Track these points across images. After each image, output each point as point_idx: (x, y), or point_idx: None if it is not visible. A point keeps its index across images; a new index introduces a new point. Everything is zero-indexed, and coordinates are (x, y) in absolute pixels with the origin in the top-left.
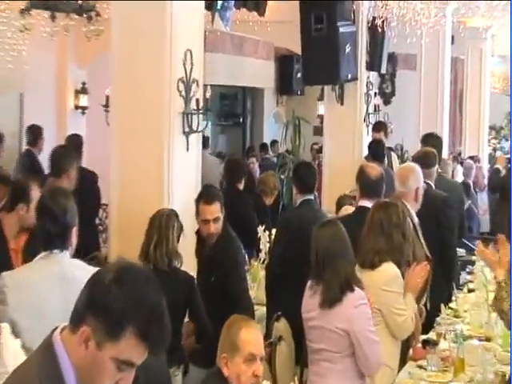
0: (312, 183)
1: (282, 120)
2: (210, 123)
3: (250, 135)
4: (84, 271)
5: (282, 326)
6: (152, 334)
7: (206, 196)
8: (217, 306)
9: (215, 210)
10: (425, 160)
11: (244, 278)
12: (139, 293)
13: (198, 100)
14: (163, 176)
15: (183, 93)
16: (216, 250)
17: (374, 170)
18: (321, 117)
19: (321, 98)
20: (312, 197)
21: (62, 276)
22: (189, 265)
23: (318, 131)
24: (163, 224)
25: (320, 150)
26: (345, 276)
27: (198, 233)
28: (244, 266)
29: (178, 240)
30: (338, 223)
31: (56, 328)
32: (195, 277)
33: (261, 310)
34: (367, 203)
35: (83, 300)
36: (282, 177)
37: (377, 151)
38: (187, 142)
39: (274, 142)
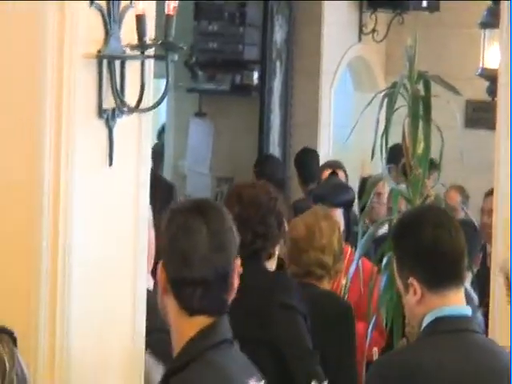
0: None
1: (374, 84)
2: (170, 86)
3: (283, 126)
4: None
5: None
6: None
7: None
8: None
9: None
10: None
11: None
12: None
13: (140, 19)
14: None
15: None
16: None
17: None
18: (489, 76)
19: (489, 24)
20: (468, 310)
21: None
22: None
23: (481, 116)
24: None
25: None
26: None
27: None
28: None
29: None
30: None
31: None
32: None
33: None
34: None
35: None
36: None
37: None
38: (110, 139)
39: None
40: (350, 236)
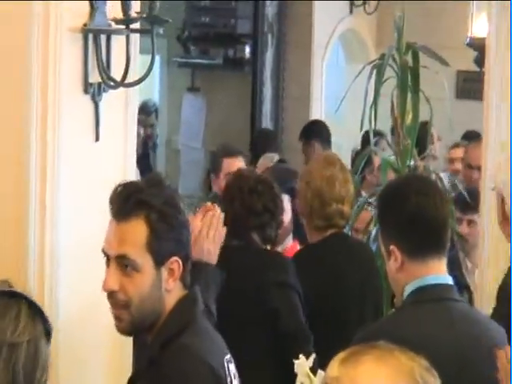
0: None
1: (365, 57)
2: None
3: (275, 100)
4: None
5: None
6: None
7: None
8: None
9: None
10: None
11: None
12: None
13: None
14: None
15: None
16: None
17: None
18: (477, 45)
19: None
20: (450, 278)
21: None
22: None
23: (472, 87)
24: None
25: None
26: None
27: None
28: None
29: None
30: None
31: None
32: None
33: None
34: None
35: None
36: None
37: None
38: (96, 114)
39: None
40: (297, 230)
